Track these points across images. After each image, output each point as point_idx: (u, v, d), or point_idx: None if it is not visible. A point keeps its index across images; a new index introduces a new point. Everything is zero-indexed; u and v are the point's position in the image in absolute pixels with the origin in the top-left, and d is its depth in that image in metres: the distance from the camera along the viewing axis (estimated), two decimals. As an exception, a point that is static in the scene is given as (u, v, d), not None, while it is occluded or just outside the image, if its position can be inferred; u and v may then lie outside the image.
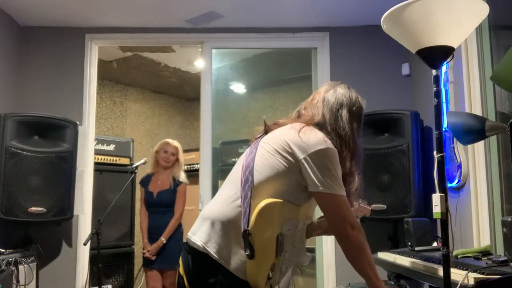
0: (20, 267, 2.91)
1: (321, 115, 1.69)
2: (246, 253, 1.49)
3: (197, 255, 1.60)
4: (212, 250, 1.56)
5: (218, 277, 1.55)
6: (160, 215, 4.01)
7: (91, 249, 3.74)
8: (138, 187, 4.40)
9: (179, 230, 4.04)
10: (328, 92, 1.75)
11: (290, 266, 1.65)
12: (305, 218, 1.67)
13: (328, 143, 1.60)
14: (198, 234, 1.62)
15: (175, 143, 4.20)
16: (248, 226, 1.50)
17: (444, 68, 2.92)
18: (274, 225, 1.54)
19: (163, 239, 3.90)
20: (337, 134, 1.66)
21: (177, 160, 4.14)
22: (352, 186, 1.66)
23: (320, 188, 1.55)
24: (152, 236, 3.96)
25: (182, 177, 4.11)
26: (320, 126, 1.67)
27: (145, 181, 4.15)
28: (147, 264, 3.99)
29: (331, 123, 1.67)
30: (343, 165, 1.62)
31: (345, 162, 1.63)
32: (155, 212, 4.03)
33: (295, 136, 1.61)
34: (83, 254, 3.73)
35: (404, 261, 2.26)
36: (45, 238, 3.52)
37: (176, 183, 4.05)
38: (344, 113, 1.69)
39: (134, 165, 4.15)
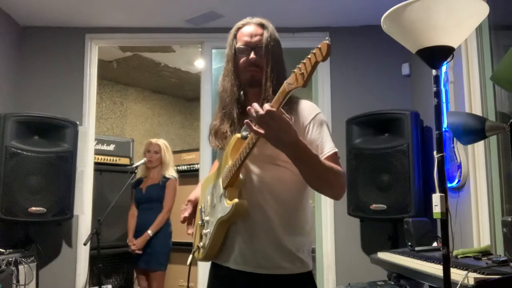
0: (20, 267, 2.91)
1: None
2: None
3: None
4: None
5: None
6: (148, 211, 3.94)
7: (91, 249, 3.74)
8: (136, 189, 4.39)
9: (167, 231, 3.95)
10: None
11: (212, 226, 1.61)
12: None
13: None
14: None
15: (159, 141, 4.15)
16: None
17: (444, 68, 2.92)
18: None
19: (149, 232, 3.80)
20: None
21: (161, 158, 4.08)
22: None
23: None
24: (140, 233, 3.87)
25: (171, 173, 4.07)
26: None
27: (137, 183, 4.14)
28: (133, 262, 3.94)
29: None
30: None
31: None
32: (144, 209, 3.97)
33: None
34: (83, 254, 3.72)
35: (404, 261, 2.26)
36: (45, 238, 3.51)
37: (165, 178, 4.02)
38: None
39: (134, 165, 4.13)
